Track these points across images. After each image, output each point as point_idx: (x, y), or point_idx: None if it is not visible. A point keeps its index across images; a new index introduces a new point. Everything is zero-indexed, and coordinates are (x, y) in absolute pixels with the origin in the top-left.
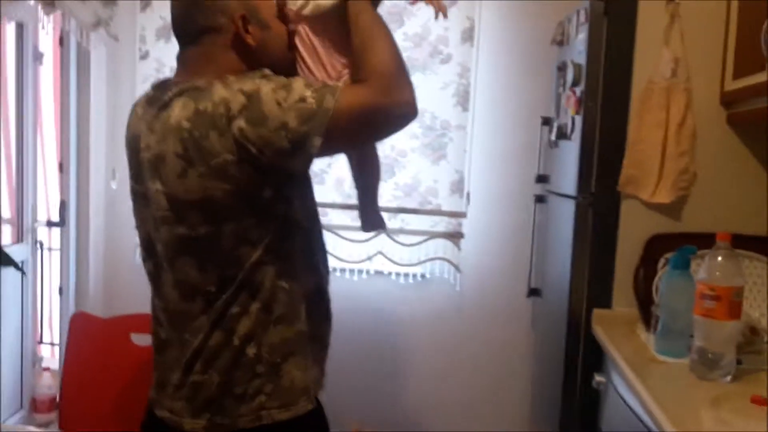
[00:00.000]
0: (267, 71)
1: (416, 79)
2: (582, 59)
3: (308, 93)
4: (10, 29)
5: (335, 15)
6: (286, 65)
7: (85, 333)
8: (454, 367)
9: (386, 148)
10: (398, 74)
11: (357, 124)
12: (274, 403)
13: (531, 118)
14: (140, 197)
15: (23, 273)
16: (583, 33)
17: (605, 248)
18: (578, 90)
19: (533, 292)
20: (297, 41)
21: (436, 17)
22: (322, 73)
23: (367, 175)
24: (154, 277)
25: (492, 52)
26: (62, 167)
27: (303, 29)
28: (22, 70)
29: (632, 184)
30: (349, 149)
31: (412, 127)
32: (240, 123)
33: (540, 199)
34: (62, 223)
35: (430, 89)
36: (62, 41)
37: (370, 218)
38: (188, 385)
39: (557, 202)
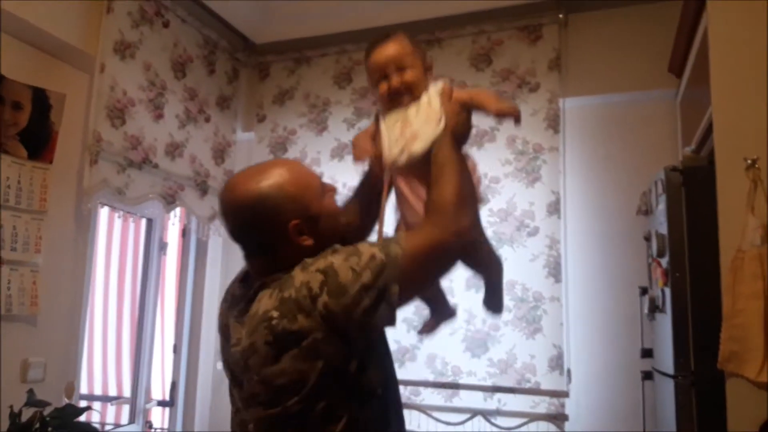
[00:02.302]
0: (335, 246)
1: (504, 251)
2: (664, 230)
3: (375, 250)
4: (142, 224)
5: (424, 160)
6: (342, 232)
7: None
8: None
9: (478, 322)
10: (457, 207)
11: (425, 263)
12: None
13: (629, 288)
14: (232, 380)
15: None
16: (662, 204)
17: None
18: (664, 261)
19: None
20: (395, 188)
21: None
22: (414, 215)
23: (485, 269)
24: None
25: (580, 223)
26: (176, 348)
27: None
28: (149, 259)
29: (734, 361)
30: (426, 289)
31: (504, 300)
32: (323, 299)
33: (648, 375)
34: (171, 403)
35: (519, 261)
36: (184, 233)
37: (494, 302)
38: None
39: (661, 380)
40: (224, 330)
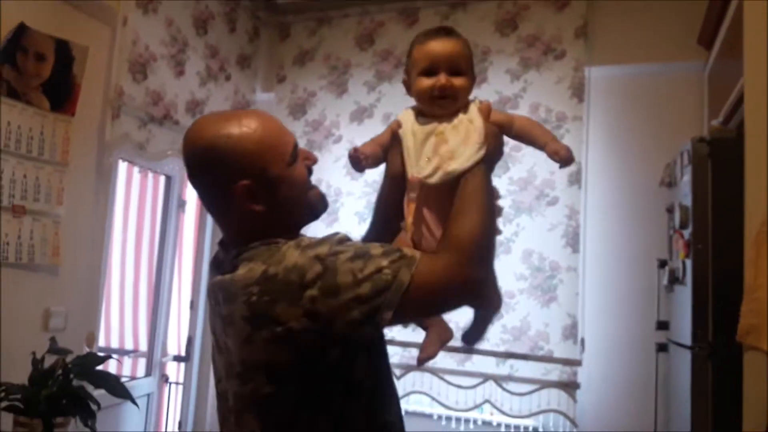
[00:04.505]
0: (342, 234)
1: (522, 220)
2: (688, 201)
3: (385, 263)
4: (161, 181)
5: (451, 187)
6: (310, 207)
7: None
8: None
9: None
10: (479, 250)
11: (429, 300)
12: None
13: (647, 260)
14: (216, 345)
15: (137, 406)
16: (687, 175)
17: (728, 406)
18: (686, 233)
19: None
20: (418, 205)
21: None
22: (427, 243)
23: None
24: (222, 424)
25: (600, 194)
26: (193, 304)
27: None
28: (167, 217)
29: (753, 334)
30: (418, 320)
31: (519, 268)
32: (313, 292)
33: (662, 347)
34: (187, 358)
35: (536, 230)
36: None
37: (475, 336)
38: None
39: (677, 351)
40: (212, 293)
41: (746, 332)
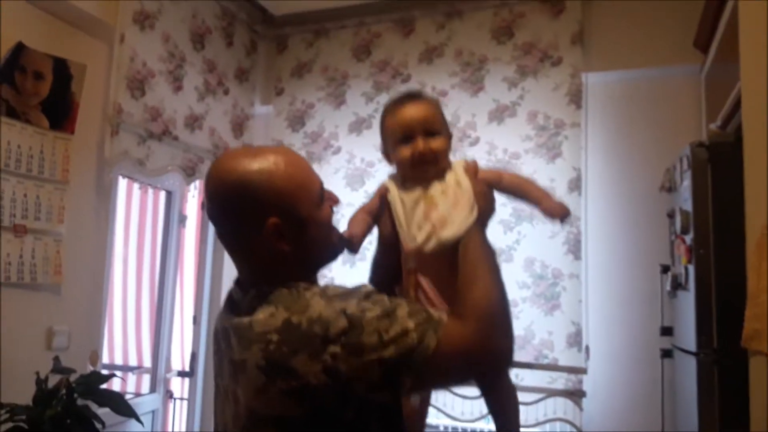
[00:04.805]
0: (369, 288)
1: (524, 228)
2: (689, 206)
3: (411, 325)
4: (161, 196)
5: (447, 252)
6: (333, 250)
7: None
8: None
9: None
10: (499, 317)
11: (452, 367)
12: None
13: (649, 266)
14: (221, 390)
15: (142, 424)
16: (687, 180)
17: (736, 413)
18: (688, 238)
19: None
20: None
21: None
22: (426, 303)
23: (502, 411)
24: None
25: (601, 200)
26: (196, 320)
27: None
28: (168, 232)
29: (757, 339)
30: (438, 389)
31: (522, 276)
32: (335, 348)
33: (667, 353)
34: (191, 373)
35: (538, 238)
36: (203, 205)
37: None
38: None
39: (682, 357)
40: (222, 335)
41: (750, 337)
